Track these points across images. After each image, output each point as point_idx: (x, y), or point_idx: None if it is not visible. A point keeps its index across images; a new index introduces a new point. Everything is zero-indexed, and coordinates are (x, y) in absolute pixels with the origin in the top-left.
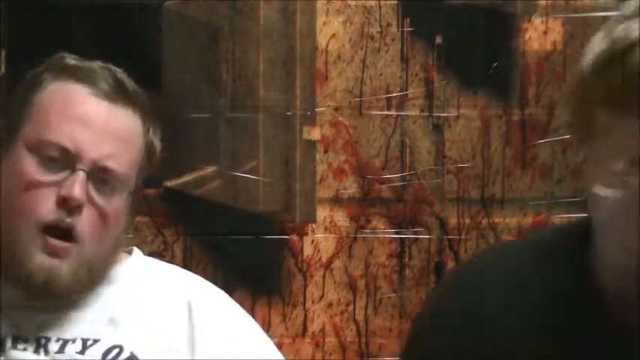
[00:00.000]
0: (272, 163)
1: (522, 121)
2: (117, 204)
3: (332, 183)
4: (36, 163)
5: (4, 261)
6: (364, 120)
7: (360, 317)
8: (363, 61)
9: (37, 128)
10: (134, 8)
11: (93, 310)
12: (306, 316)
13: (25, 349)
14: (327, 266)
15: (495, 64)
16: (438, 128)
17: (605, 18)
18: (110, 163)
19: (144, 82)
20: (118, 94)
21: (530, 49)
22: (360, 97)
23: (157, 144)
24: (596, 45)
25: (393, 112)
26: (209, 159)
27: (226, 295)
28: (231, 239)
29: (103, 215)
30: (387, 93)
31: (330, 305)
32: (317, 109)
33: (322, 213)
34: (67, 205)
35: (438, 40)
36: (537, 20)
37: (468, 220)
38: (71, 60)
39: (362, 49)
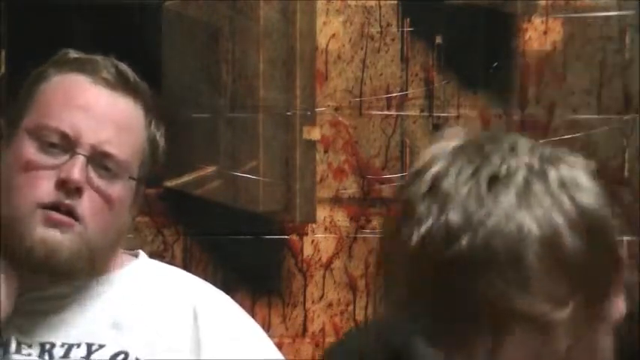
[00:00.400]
0: (272, 163)
1: (522, 121)
2: (119, 190)
3: (332, 183)
4: (36, 147)
5: (4, 245)
6: (364, 120)
7: (360, 317)
8: (363, 61)
9: (38, 116)
10: (134, 8)
11: (97, 312)
12: (306, 316)
13: (29, 355)
14: (327, 266)
15: (495, 64)
16: (438, 128)
17: (605, 18)
18: (110, 148)
19: (144, 82)
20: (119, 83)
21: (530, 49)
22: (360, 97)
23: (160, 139)
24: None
25: (393, 112)
26: (209, 159)
27: (229, 298)
28: (231, 239)
29: (105, 199)
30: (387, 93)
31: (330, 305)
32: (317, 109)
33: (322, 213)
34: (65, 187)
35: (438, 40)
36: (537, 20)
37: None
38: (74, 54)
39: (362, 49)
